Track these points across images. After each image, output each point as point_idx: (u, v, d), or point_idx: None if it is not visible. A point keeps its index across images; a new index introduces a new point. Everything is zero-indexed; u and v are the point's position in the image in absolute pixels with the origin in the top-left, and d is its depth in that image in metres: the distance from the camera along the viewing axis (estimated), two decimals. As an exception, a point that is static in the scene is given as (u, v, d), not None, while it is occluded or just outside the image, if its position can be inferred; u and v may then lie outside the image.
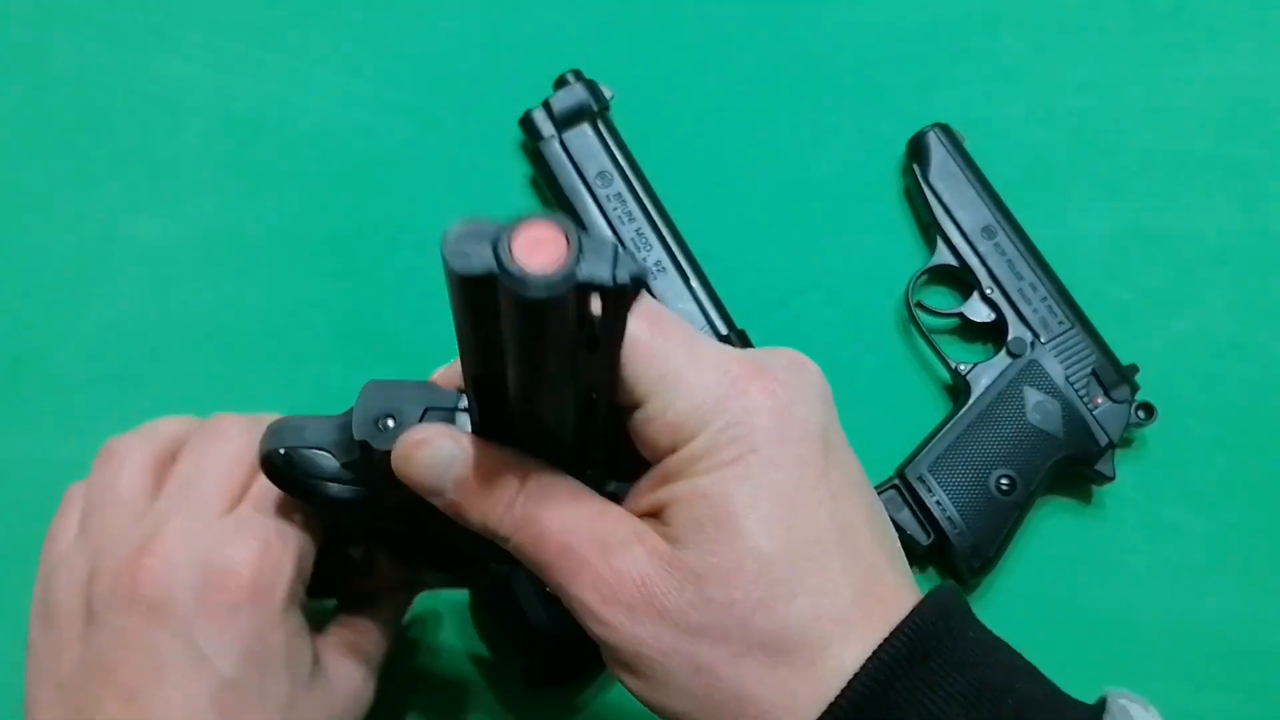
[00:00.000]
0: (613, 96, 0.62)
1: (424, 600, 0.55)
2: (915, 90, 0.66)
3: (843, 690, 0.30)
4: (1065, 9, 0.68)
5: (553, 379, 0.29)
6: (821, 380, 0.34)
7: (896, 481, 0.56)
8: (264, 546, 0.38)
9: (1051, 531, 0.57)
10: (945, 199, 0.61)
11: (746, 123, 0.65)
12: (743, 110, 0.66)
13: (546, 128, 0.61)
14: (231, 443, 0.40)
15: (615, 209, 0.59)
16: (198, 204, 0.63)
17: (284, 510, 0.39)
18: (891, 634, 0.30)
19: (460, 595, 0.55)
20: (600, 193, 0.59)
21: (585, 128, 0.61)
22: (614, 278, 0.25)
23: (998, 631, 0.33)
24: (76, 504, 0.41)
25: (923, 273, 0.60)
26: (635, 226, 0.59)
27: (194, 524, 0.38)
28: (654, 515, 0.32)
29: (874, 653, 0.30)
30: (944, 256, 0.60)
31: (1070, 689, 0.32)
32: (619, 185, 0.60)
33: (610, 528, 0.32)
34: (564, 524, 0.32)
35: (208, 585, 0.37)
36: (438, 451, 0.33)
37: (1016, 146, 0.65)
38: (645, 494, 0.33)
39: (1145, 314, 0.62)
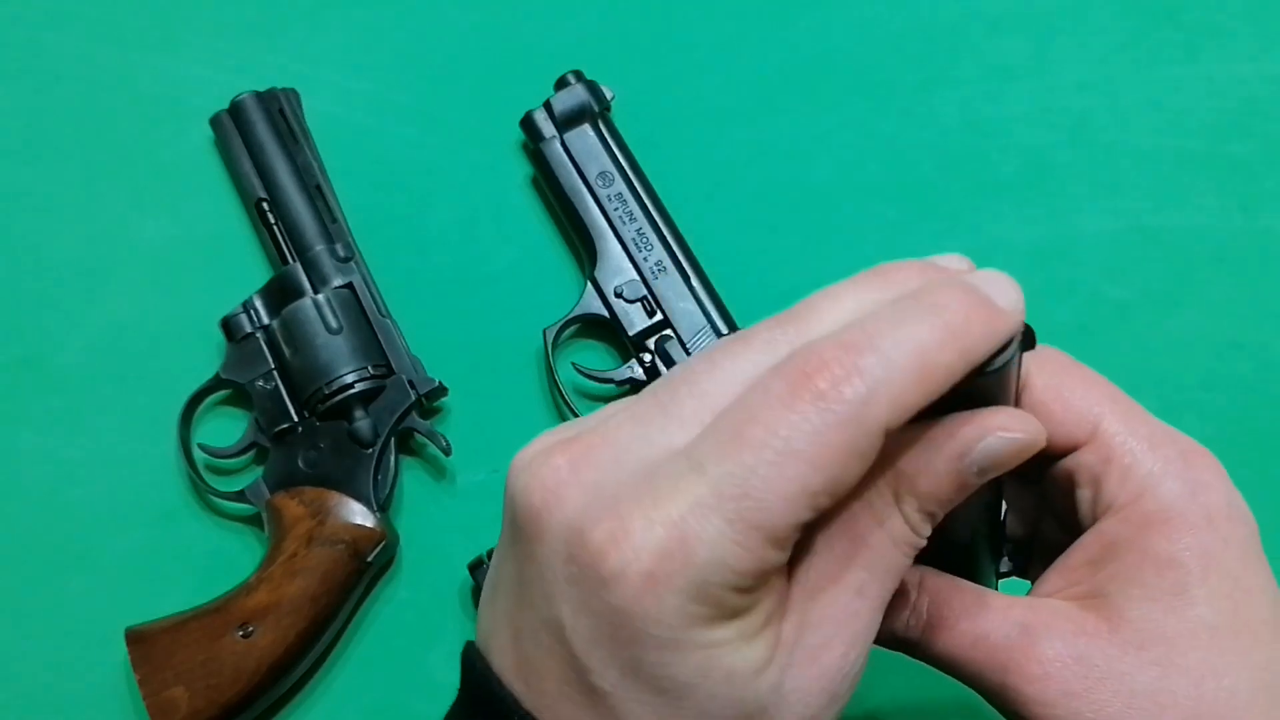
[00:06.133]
0: (613, 97, 0.62)
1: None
2: (915, 90, 0.66)
3: None
4: (1065, 9, 0.68)
5: None
6: None
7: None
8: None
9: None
10: None
11: (747, 123, 0.66)
12: (743, 111, 0.66)
13: (547, 128, 0.61)
14: None
15: (616, 209, 0.59)
16: (200, 204, 0.63)
17: None
18: None
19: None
20: (601, 193, 0.60)
21: (586, 128, 0.61)
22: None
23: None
24: None
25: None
26: (636, 227, 0.59)
27: None
28: (1089, 596, 0.32)
29: None
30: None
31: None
32: (620, 186, 0.60)
33: (1024, 613, 0.32)
34: (973, 617, 0.32)
35: None
36: None
37: (1016, 146, 0.65)
38: (1081, 571, 0.33)
39: (1144, 313, 0.62)
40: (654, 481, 0.25)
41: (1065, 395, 0.33)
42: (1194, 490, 0.32)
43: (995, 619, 0.32)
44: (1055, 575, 0.33)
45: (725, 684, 0.26)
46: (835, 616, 0.27)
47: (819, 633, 0.27)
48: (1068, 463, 0.33)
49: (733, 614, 0.26)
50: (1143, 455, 0.32)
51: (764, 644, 0.26)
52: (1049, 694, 0.31)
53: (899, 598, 0.32)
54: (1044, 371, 0.33)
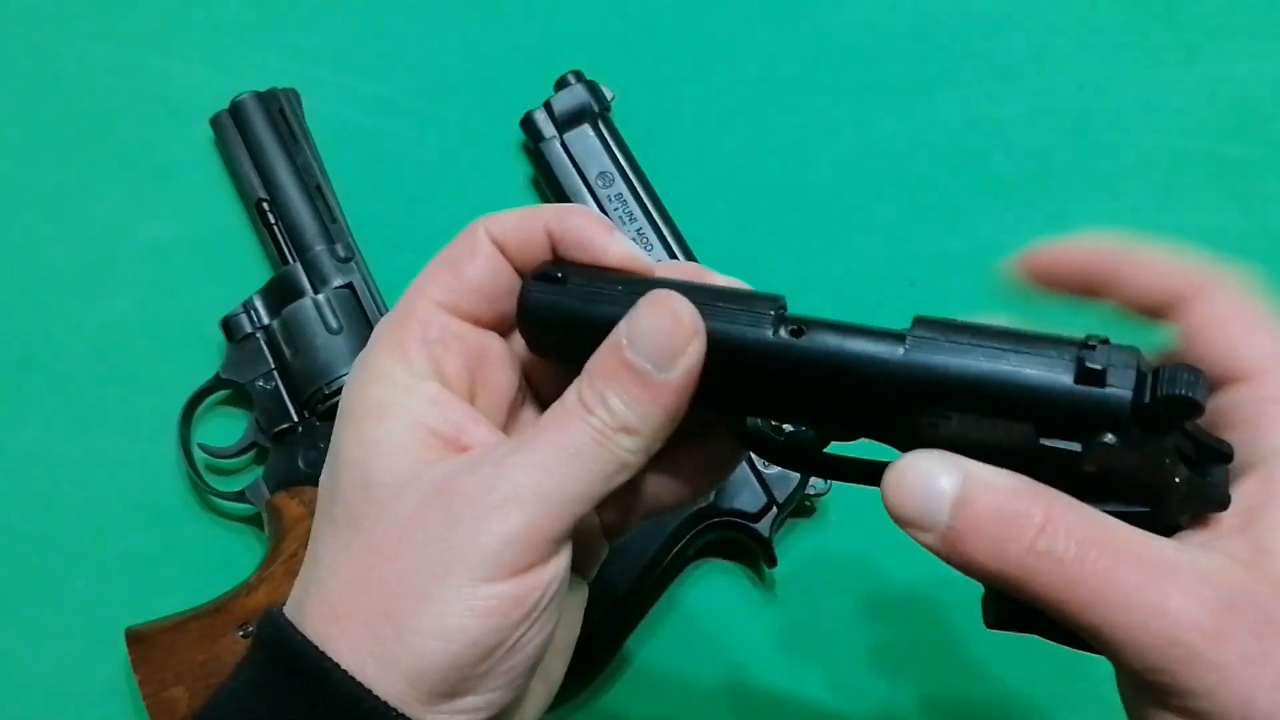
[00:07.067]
0: (613, 97, 0.62)
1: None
2: (915, 90, 0.66)
3: None
4: (1065, 9, 0.68)
5: None
6: None
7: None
8: None
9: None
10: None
11: (747, 123, 0.66)
12: (743, 110, 0.66)
13: (548, 128, 0.61)
14: None
15: (616, 209, 0.59)
16: (200, 204, 0.63)
17: None
18: None
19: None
20: (601, 193, 0.60)
21: (586, 128, 0.61)
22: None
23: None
24: None
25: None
26: (636, 227, 0.59)
27: None
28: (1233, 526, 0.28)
29: None
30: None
31: None
32: (620, 186, 0.60)
33: (1166, 547, 0.27)
34: (1146, 589, 0.26)
35: None
36: (932, 478, 0.28)
37: (1016, 146, 0.65)
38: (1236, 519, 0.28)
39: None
40: None
41: (1230, 328, 0.30)
42: None
43: (1178, 595, 0.26)
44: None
45: (400, 428, 0.31)
46: (522, 461, 0.30)
47: (500, 462, 0.30)
48: (1220, 400, 0.29)
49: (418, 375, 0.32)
50: None
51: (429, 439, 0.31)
52: (1220, 703, 0.25)
53: (1019, 525, 0.27)
54: (1213, 300, 0.31)
